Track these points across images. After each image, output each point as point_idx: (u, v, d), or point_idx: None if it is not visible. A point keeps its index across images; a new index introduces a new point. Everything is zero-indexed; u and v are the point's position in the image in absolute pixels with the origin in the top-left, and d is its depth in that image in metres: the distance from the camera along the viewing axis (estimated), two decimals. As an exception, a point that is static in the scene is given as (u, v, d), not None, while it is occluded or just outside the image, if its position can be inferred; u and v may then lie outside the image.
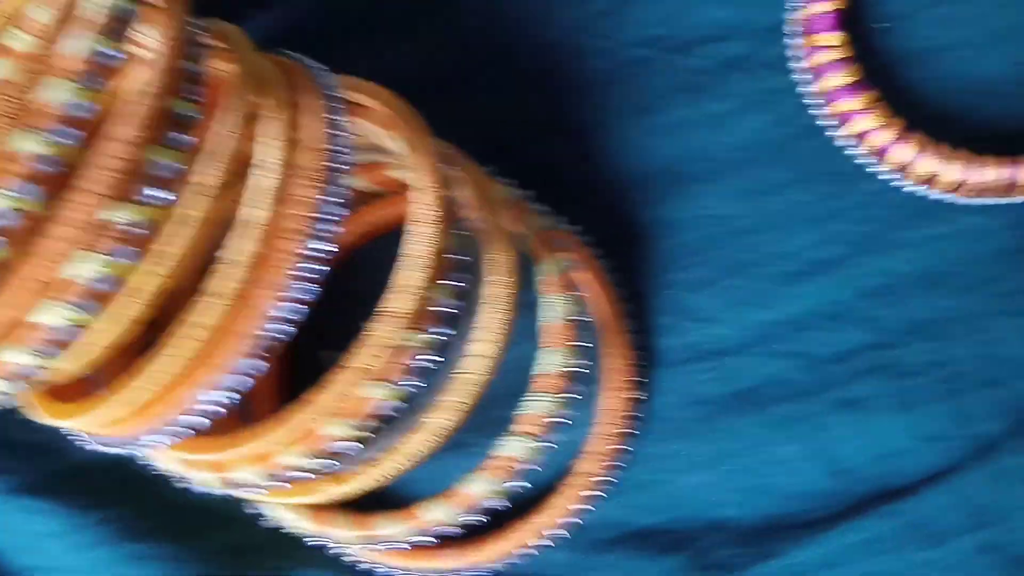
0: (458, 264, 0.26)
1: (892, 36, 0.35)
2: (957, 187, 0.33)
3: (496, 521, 0.34)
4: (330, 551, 0.33)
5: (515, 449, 0.29)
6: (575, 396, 0.29)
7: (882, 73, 0.35)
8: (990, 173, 0.33)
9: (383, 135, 0.29)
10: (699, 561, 0.33)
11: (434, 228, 0.25)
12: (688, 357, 0.34)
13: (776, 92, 0.35)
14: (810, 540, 0.33)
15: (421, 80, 0.36)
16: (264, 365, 0.23)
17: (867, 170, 0.34)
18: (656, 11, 0.36)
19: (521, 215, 0.31)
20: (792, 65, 0.35)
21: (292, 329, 0.23)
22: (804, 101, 0.35)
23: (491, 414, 0.34)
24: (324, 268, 0.23)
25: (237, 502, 0.32)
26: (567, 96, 0.36)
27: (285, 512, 0.32)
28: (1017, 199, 0.34)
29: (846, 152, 0.35)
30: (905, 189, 0.34)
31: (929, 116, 0.35)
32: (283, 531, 0.32)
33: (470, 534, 0.33)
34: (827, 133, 0.35)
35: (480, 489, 0.29)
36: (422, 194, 0.26)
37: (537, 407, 0.29)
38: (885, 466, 0.33)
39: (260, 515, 0.32)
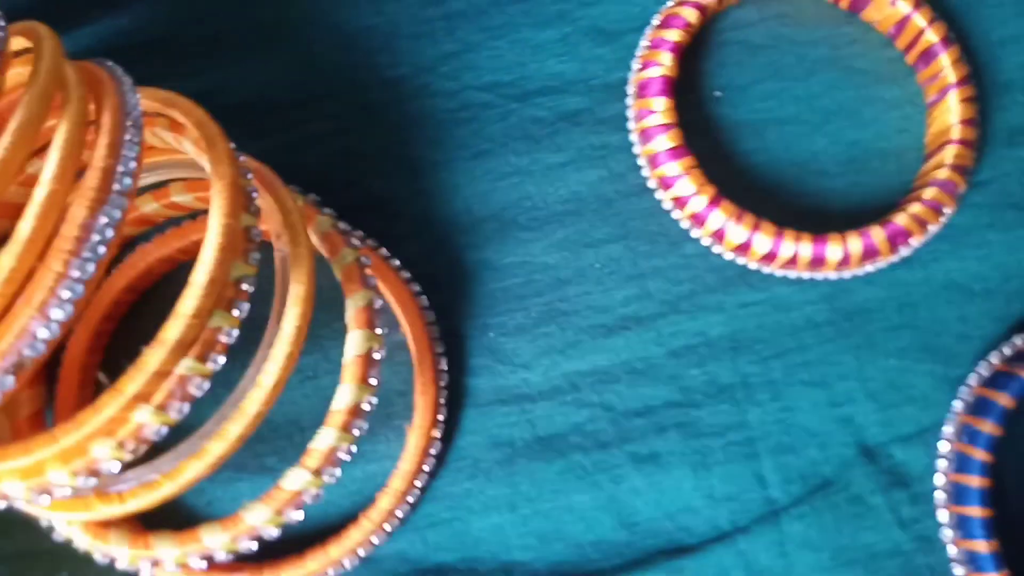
0: (246, 293, 0.26)
1: (725, 105, 0.37)
2: (769, 258, 0.35)
3: (298, 547, 0.34)
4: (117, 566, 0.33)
5: (296, 481, 0.29)
6: (362, 431, 0.29)
7: (710, 141, 0.36)
8: (799, 248, 0.34)
9: (196, 154, 0.29)
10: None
11: (217, 255, 0.25)
12: (497, 400, 0.35)
13: (610, 149, 0.36)
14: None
15: (263, 102, 0.37)
16: (12, 382, 0.23)
17: (689, 234, 0.36)
18: (502, 59, 0.37)
19: (337, 247, 0.31)
20: (627, 125, 0.36)
21: (46, 348, 0.23)
22: (635, 161, 0.36)
23: (298, 441, 0.35)
24: (86, 289, 0.23)
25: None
26: (407, 132, 0.36)
27: (66, 527, 0.31)
28: (826, 274, 0.35)
29: (670, 215, 0.36)
30: (723, 256, 0.35)
31: (754, 187, 0.36)
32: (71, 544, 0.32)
33: (267, 559, 0.33)
34: (654, 195, 0.36)
35: (259, 517, 0.29)
36: (213, 219, 0.26)
37: (323, 441, 0.29)
38: (675, 522, 0.34)
39: (51, 526, 0.32)
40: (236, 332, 0.26)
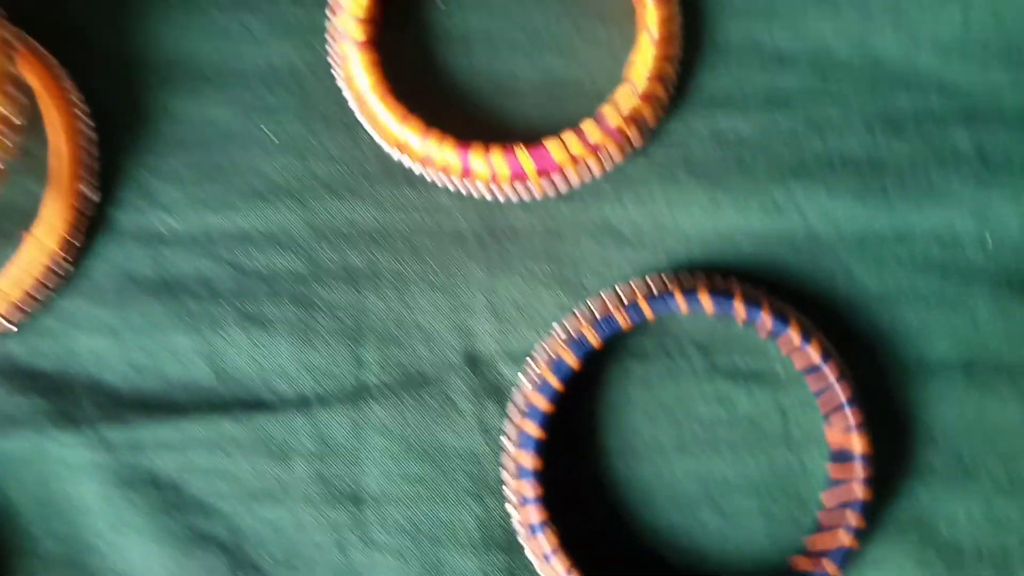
0: None
1: (444, 16, 0.37)
2: (420, 158, 0.35)
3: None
4: None
5: None
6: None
7: (418, 48, 0.37)
8: (446, 152, 0.35)
9: None
10: (61, 407, 0.35)
11: None
12: (133, 236, 0.36)
13: (313, 25, 0.37)
14: (165, 423, 0.35)
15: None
16: None
17: (363, 128, 0.36)
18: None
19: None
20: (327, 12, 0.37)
21: None
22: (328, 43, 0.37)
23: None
24: None
25: None
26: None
27: None
28: (488, 194, 0.36)
29: (349, 104, 0.36)
30: (390, 151, 0.36)
31: (449, 101, 0.37)
32: None
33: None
34: (338, 79, 0.37)
35: None
36: None
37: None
38: (265, 382, 0.35)
39: None
40: None
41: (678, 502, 0.35)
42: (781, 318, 0.33)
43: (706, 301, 0.33)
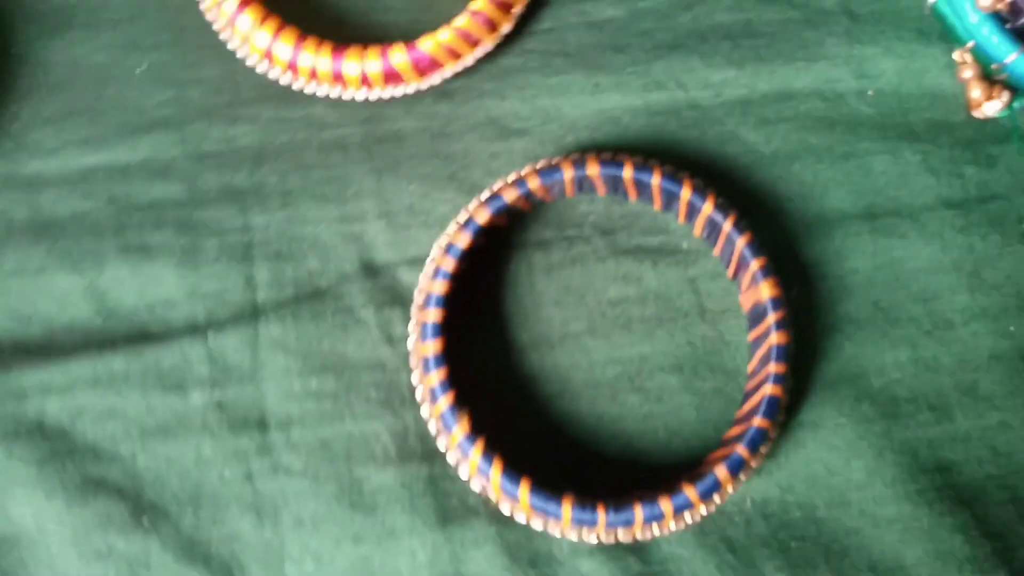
0: None
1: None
2: (292, 68, 0.35)
3: None
4: None
5: None
6: None
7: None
8: (319, 60, 0.34)
9: None
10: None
11: None
12: (5, 183, 0.35)
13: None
14: (49, 367, 0.33)
15: None
16: None
17: (235, 53, 0.36)
18: None
19: None
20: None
21: None
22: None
23: None
24: None
25: None
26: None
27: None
28: (367, 97, 0.35)
29: (219, 31, 0.36)
30: (267, 74, 0.36)
31: (320, 17, 0.37)
32: None
33: None
34: (205, 9, 0.36)
35: None
36: None
37: None
38: (152, 313, 0.33)
39: None
40: None
41: (599, 387, 0.34)
42: (672, 179, 0.33)
43: (593, 168, 0.33)
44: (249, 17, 0.35)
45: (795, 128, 0.35)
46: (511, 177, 0.33)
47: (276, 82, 0.36)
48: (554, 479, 0.31)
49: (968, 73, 0.35)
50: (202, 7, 0.36)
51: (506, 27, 0.35)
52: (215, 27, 0.36)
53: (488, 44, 0.35)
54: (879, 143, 0.35)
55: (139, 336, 0.33)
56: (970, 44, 0.35)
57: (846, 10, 0.36)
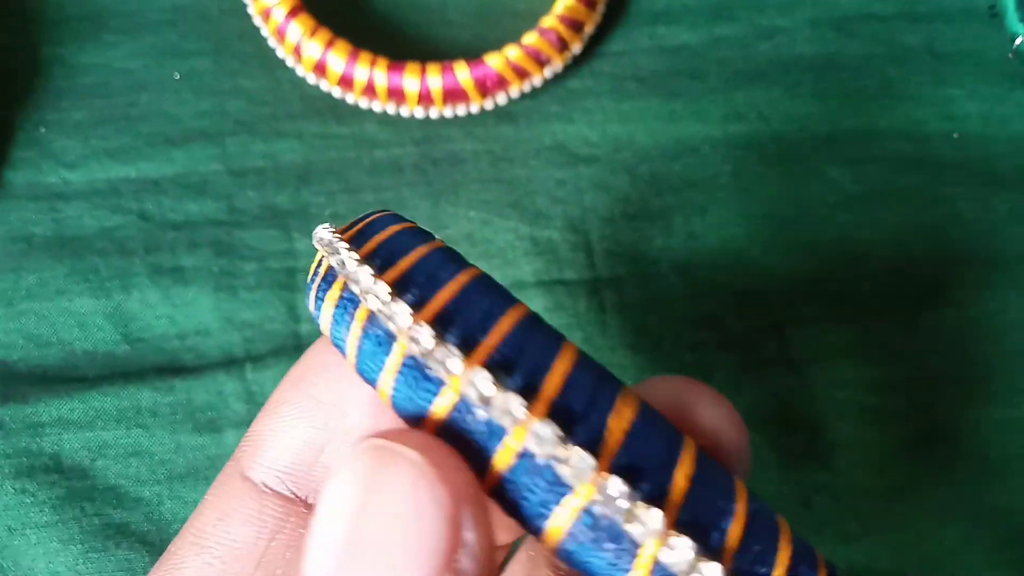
0: None
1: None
2: (346, 82, 0.32)
3: None
4: None
5: None
6: None
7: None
8: (375, 74, 0.32)
9: None
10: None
11: None
12: (29, 195, 0.31)
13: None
14: (70, 397, 0.29)
15: None
16: None
17: (285, 62, 0.33)
18: None
19: None
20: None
21: None
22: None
23: None
24: None
25: None
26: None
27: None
28: (423, 115, 0.33)
29: (266, 39, 0.34)
30: (318, 87, 0.33)
31: (377, 31, 0.34)
32: None
33: None
34: (252, 15, 0.34)
35: None
36: None
37: None
38: (184, 341, 0.30)
39: None
40: None
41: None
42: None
43: None
44: (299, 27, 0.32)
45: (882, 168, 0.33)
46: None
47: (324, 95, 0.33)
48: None
49: (1063, 117, 0.33)
50: (249, 11, 0.33)
51: (576, 47, 0.33)
52: (263, 34, 0.33)
53: (557, 65, 0.33)
54: (966, 188, 0.33)
55: (169, 367, 0.30)
56: (1065, 86, 0.33)
57: (930, 48, 0.34)
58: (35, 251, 0.31)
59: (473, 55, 0.33)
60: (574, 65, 0.34)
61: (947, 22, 0.35)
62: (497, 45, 0.33)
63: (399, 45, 0.34)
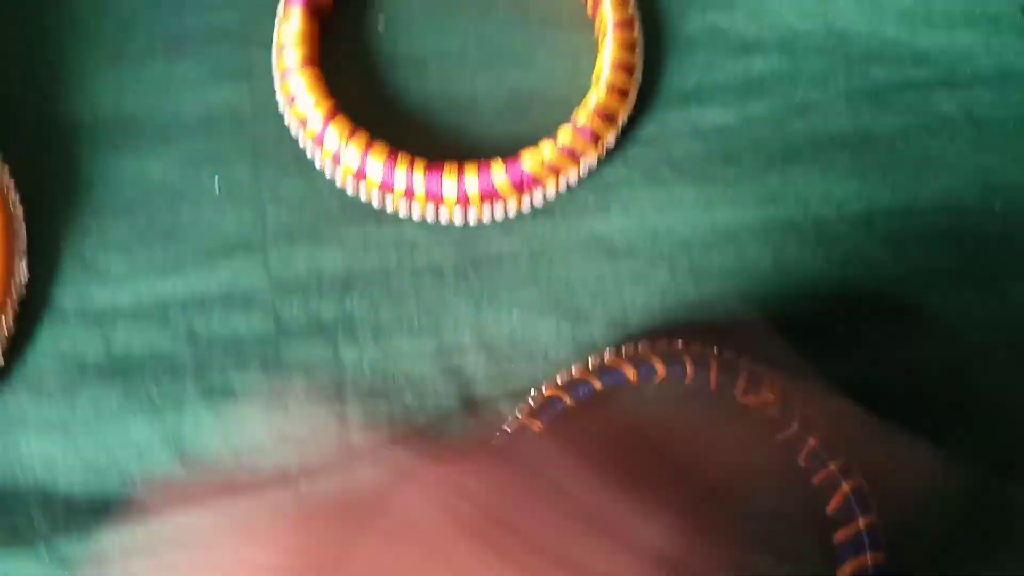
0: None
1: (387, 38, 0.35)
2: (385, 187, 0.32)
3: None
4: None
5: None
6: None
7: (367, 73, 0.35)
8: (414, 177, 0.32)
9: None
10: (8, 523, 0.30)
11: None
12: (76, 315, 0.32)
13: (253, 68, 0.34)
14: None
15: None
16: None
17: (319, 167, 0.33)
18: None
19: None
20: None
21: None
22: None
23: None
24: None
25: None
26: (39, 26, 0.35)
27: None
28: (461, 220, 0.33)
29: (303, 146, 0.34)
30: (356, 192, 0.33)
31: (409, 126, 0.34)
32: None
33: None
34: (287, 120, 0.34)
35: None
36: None
37: None
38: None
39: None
40: None
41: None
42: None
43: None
44: (336, 132, 0.32)
45: (922, 246, 0.33)
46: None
47: (361, 199, 0.33)
48: None
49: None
50: (287, 123, 0.33)
51: (610, 139, 0.33)
52: (299, 141, 0.33)
53: (591, 158, 0.33)
54: (1013, 266, 0.33)
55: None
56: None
57: (968, 115, 0.34)
58: (88, 377, 0.31)
59: (508, 149, 0.33)
60: (607, 154, 0.34)
61: (986, 87, 0.34)
62: (531, 136, 0.33)
63: (434, 141, 0.34)
